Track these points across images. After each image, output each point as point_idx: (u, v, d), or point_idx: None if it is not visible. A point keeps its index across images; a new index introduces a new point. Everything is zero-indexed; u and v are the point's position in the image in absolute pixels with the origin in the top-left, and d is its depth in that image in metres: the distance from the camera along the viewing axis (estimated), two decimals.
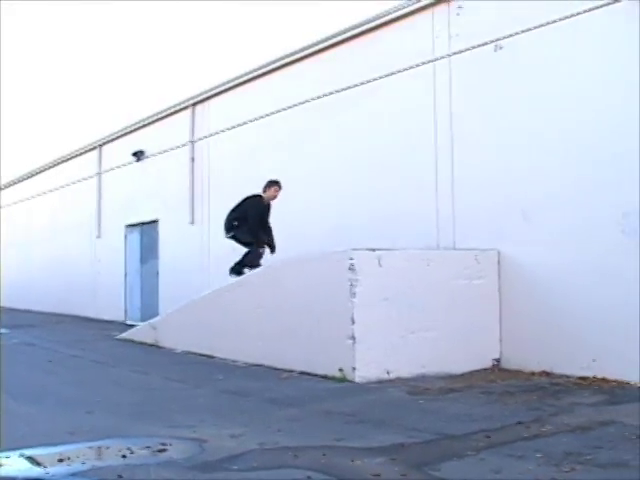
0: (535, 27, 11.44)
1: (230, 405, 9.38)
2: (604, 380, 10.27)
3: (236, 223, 14.27)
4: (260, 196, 14.38)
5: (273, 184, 14.38)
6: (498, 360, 11.70)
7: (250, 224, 14.13)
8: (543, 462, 6.30)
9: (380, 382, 10.53)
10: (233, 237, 14.42)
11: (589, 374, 10.47)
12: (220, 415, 8.63)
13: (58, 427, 7.96)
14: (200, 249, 19.20)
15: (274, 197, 14.39)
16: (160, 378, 11.62)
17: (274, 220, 14.35)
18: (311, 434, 7.61)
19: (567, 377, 10.65)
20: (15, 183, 32.96)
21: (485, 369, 11.53)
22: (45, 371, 12.33)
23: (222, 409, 9.09)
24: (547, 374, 10.93)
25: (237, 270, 14.05)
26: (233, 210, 14.49)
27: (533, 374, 11.07)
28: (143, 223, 22.28)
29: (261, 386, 10.62)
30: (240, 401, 9.63)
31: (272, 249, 14.36)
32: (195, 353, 13.96)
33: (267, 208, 14.46)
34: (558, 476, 5.85)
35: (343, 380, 10.62)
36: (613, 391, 9.71)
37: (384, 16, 13.92)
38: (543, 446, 6.86)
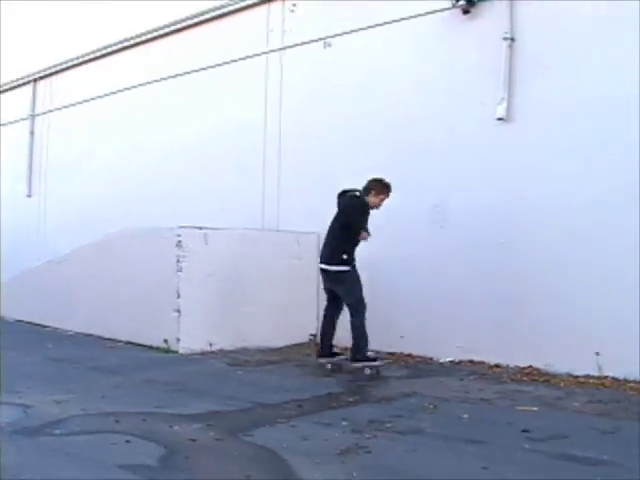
0: (361, 28, 11.58)
1: (57, 372, 9.12)
2: (410, 356, 10.56)
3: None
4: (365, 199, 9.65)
5: (385, 189, 9.66)
6: (315, 335, 11.79)
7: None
8: (348, 430, 6.39)
9: (203, 354, 10.47)
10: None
11: (397, 350, 10.71)
12: (47, 382, 8.37)
13: None
14: (37, 222, 18.58)
15: (378, 206, 9.73)
16: None
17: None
18: (133, 401, 7.48)
19: (377, 352, 10.84)
20: None
21: (302, 343, 11.63)
22: None
23: (49, 376, 8.81)
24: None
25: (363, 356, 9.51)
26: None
27: (346, 349, 11.19)
28: None
29: (88, 354, 10.41)
30: (67, 369, 9.39)
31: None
32: (29, 322, 13.53)
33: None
34: (361, 442, 5.93)
35: (167, 351, 10.52)
36: (417, 366, 9.98)
37: (223, 7, 13.77)
38: (349, 415, 6.96)
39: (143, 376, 8.88)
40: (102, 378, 8.68)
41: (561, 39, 9.64)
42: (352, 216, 9.49)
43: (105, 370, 9.22)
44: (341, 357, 9.76)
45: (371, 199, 9.54)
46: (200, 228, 10.80)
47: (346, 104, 11.77)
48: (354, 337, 9.41)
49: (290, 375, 9.27)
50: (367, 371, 9.27)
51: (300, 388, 8.33)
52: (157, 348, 10.65)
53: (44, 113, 18.97)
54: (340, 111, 11.84)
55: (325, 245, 9.80)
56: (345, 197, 9.69)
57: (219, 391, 8.10)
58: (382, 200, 9.61)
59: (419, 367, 9.88)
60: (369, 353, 9.44)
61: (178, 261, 10.48)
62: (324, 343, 9.69)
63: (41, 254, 17.18)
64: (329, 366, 9.60)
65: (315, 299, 11.75)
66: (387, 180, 9.61)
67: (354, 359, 9.40)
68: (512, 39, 10.01)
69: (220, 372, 9.38)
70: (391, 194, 9.65)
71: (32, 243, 18.43)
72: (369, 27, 11.48)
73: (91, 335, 11.92)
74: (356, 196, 9.61)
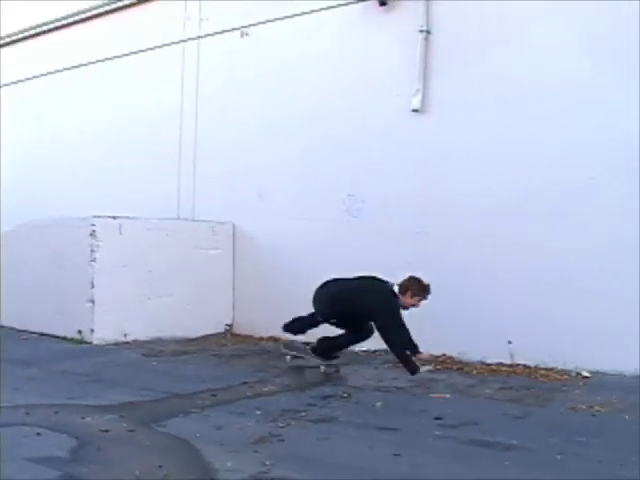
0: (278, 18, 11.58)
1: None
2: None
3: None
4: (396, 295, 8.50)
5: (423, 292, 8.46)
6: (230, 325, 11.83)
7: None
8: (262, 419, 6.42)
9: (117, 344, 10.37)
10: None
11: (312, 340, 10.73)
12: None
13: None
14: None
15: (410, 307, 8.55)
16: None
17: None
18: (46, 393, 7.40)
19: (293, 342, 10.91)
20: None
21: (218, 334, 11.61)
22: None
23: None
24: (274, 339, 11.12)
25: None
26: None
27: (262, 339, 11.27)
28: None
29: (1, 346, 10.22)
30: None
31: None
32: None
33: None
34: (274, 431, 5.97)
35: (81, 342, 10.39)
36: None
37: None
38: (264, 404, 7.00)
39: (57, 367, 8.76)
40: (15, 370, 8.48)
41: (476, 32, 9.79)
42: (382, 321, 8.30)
43: (18, 362, 9.00)
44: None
45: (406, 299, 8.37)
46: (115, 217, 10.68)
47: (263, 94, 11.76)
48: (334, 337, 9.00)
49: (205, 365, 9.26)
50: (322, 369, 8.89)
51: (215, 377, 8.33)
52: (71, 339, 10.50)
53: None
54: (257, 101, 11.82)
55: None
56: (372, 287, 8.57)
57: (133, 382, 8.04)
58: (418, 301, 8.41)
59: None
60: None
61: (92, 251, 10.35)
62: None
63: None
64: (288, 358, 9.31)
65: (230, 289, 11.78)
66: (427, 281, 8.45)
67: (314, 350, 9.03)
68: (428, 32, 10.14)
69: (134, 363, 9.31)
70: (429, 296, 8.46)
71: None
72: (286, 17, 11.48)
73: (3, 327, 11.67)
74: (384, 294, 8.44)
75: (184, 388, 7.72)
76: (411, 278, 8.44)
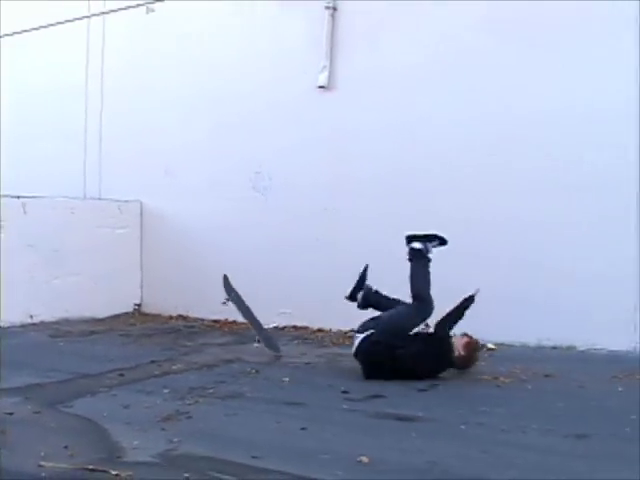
0: None
1: None
2: (234, 323, 10.61)
3: None
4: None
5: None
6: (139, 305, 11.79)
7: None
8: (170, 397, 6.42)
9: (23, 326, 10.24)
10: None
11: (221, 317, 10.78)
12: None
13: None
14: None
15: None
16: None
17: None
18: None
19: (202, 320, 10.93)
20: None
21: (127, 313, 11.58)
22: None
23: None
24: (184, 318, 11.17)
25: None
26: None
27: (171, 318, 11.28)
28: None
29: None
30: None
31: None
32: None
33: None
34: (182, 409, 5.98)
35: None
36: (241, 332, 10.06)
37: None
38: (172, 382, 7.00)
39: None
40: None
41: (382, 10, 9.88)
42: None
43: None
44: None
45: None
46: (18, 197, 10.50)
47: (170, 72, 11.66)
48: None
49: (113, 344, 9.20)
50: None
51: (123, 357, 8.29)
52: None
53: None
54: (164, 79, 11.72)
55: None
56: None
57: (39, 363, 7.93)
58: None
59: (242, 334, 9.93)
60: None
61: None
62: None
63: None
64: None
65: (139, 268, 11.76)
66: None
67: None
68: (334, 8, 10.20)
69: (41, 344, 9.20)
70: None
71: None
72: None
73: None
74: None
75: (91, 368, 7.64)
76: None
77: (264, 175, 10.59)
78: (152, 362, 7.99)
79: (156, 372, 7.52)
